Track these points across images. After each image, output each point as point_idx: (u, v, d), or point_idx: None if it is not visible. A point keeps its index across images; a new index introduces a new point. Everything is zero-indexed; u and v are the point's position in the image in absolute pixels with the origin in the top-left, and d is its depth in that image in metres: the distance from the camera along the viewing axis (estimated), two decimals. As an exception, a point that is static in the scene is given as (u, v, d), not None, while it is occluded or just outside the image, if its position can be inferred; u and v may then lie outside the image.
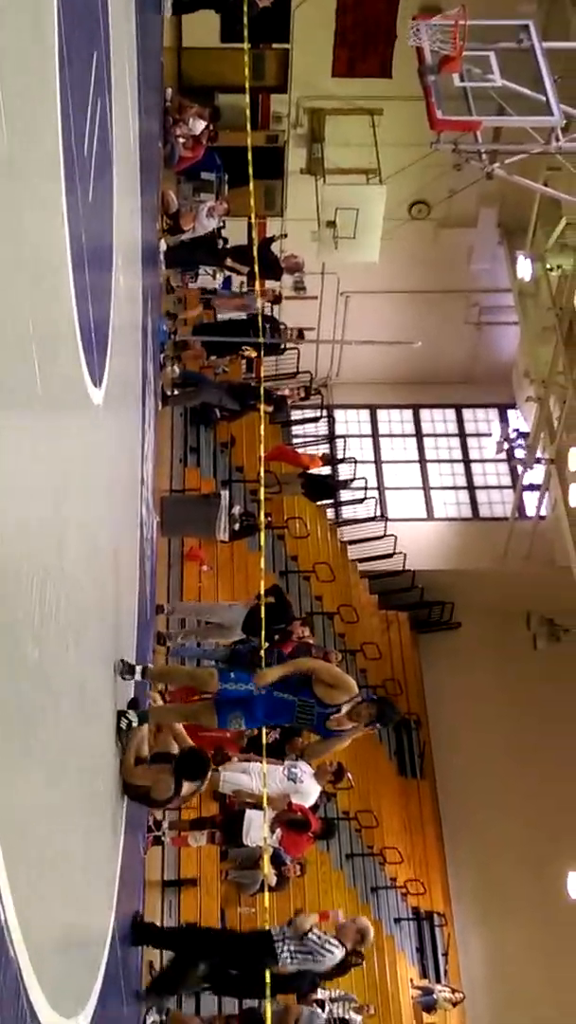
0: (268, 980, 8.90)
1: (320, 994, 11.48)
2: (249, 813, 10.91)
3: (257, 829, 10.77)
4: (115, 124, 7.27)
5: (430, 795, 21.26)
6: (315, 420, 22.29)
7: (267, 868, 10.60)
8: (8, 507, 3.69)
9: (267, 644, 11.10)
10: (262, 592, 11.89)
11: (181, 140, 14.72)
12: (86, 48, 5.81)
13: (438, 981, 18.32)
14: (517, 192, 17.61)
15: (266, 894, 10.22)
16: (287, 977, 9.51)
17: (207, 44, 18.14)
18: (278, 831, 10.96)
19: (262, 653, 10.83)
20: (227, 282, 17.12)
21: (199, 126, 14.94)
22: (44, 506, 4.45)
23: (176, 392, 13.96)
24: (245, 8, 15.00)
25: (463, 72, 13.34)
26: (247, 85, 14.91)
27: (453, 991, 17.90)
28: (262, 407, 14.01)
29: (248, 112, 15.00)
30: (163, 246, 13.66)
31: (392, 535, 21.69)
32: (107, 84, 6.83)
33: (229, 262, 15.08)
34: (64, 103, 4.79)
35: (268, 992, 8.91)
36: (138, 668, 7.56)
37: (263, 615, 10.94)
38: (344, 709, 7.62)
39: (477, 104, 13.47)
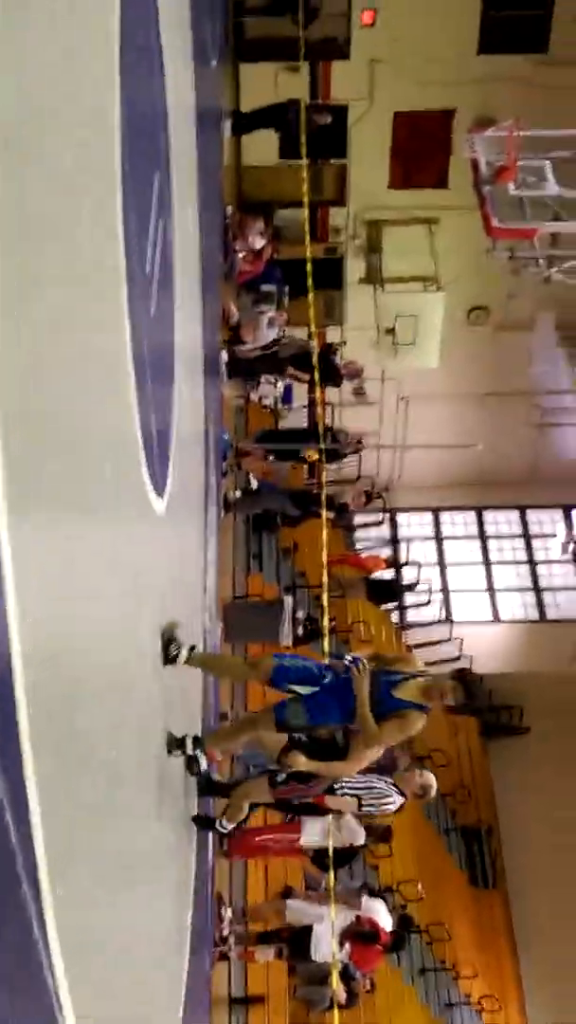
0: None
1: None
2: (317, 927, 10.67)
3: (325, 943, 10.51)
4: (176, 241, 7.49)
5: (503, 906, 20.68)
6: (378, 524, 22.32)
7: (336, 984, 10.32)
8: (71, 615, 3.72)
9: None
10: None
11: (241, 254, 15.08)
12: (148, 169, 6.01)
13: None
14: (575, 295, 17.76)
15: (335, 1011, 9.94)
16: None
17: (266, 162, 18.68)
18: (347, 945, 10.70)
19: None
20: (288, 391, 17.34)
21: (259, 242, 15.30)
22: (106, 614, 4.48)
23: (238, 499, 14.08)
24: (303, 127, 15.47)
25: (518, 181, 13.58)
26: (306, 200, 15.28)
27: None
28: (324, 513, 14.05)
29: (307, 225, 15.35)
30: (224, 357, 13.91)
31: (458, 638, 21.48)
32: (168, 203, 7.05)
33: (290, 370, 15.29)
34: (126, 222, 4.95)
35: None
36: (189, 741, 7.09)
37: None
38: (420, 680, 6.96)
39: (533, 211, 13.68)
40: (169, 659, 6.51)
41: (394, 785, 8.76)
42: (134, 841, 5.12)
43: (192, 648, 6.87)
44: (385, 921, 10.67)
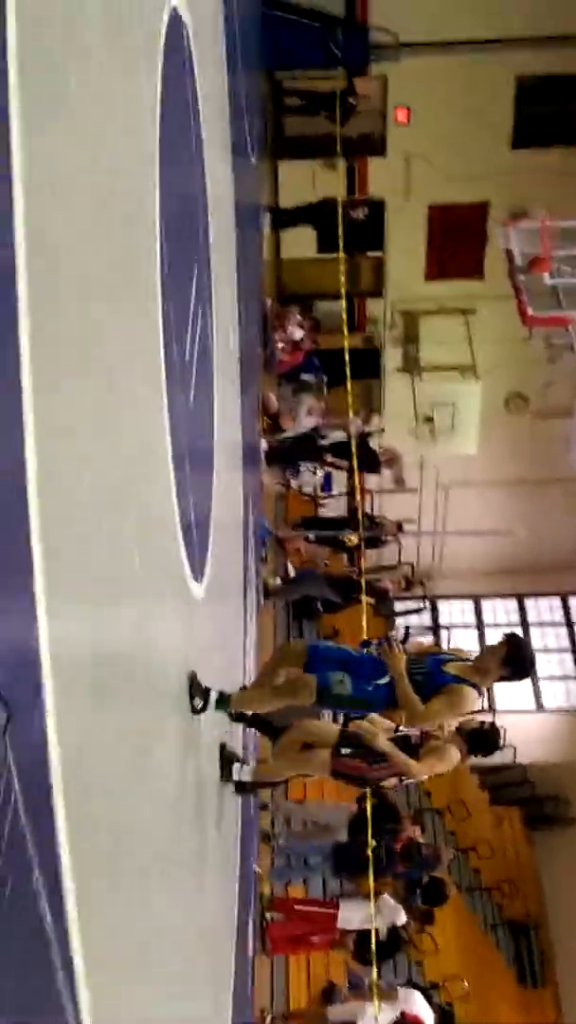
0: None
1: None
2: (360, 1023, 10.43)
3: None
4: (216, 331, 7.64)
5: (553, 1005, 20.06)
6: (419, 611, 22.21)
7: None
8: (114, 699, 3.74)
9: (375, 843, 10.82)
10: (367, 792, 11.68)
11: (280, 345, 15.34)
12: (188, 260, 6.16)
13: None
14: (613, 381, 17.87)
15: None
16: None
17: (304, 255, 19.04)
18: None
19: (370, 853, 10.55)
20: (328, 479, 17.43)
21: (298, 333, 15.56)
22: (147, 699, 4.49)
23: (278, 586, 14.10)
24: (341, 221, 15.80)
25: (553, 270, 13.74)
26: (343, 292, 15.55)
27: None
28: (364, 599, 14.03)
29: (345, 316, 15.60)
30: (264, 445, 14.06)
31: (501, 727, 21.20)
32: (208, 295, 7.21)
33: (329, 459, 15.41)
34: (166, 313, 5.07)
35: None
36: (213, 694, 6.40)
37: (369, 815, 10.72)
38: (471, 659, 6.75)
39: (568, 300, 13.81)
40: (196, 710, 6.18)
41: None
42: (171, 927, 5.07)
43: (220, 693, 6.48)
44: (426, 1014, 10.42)
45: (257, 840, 10.93)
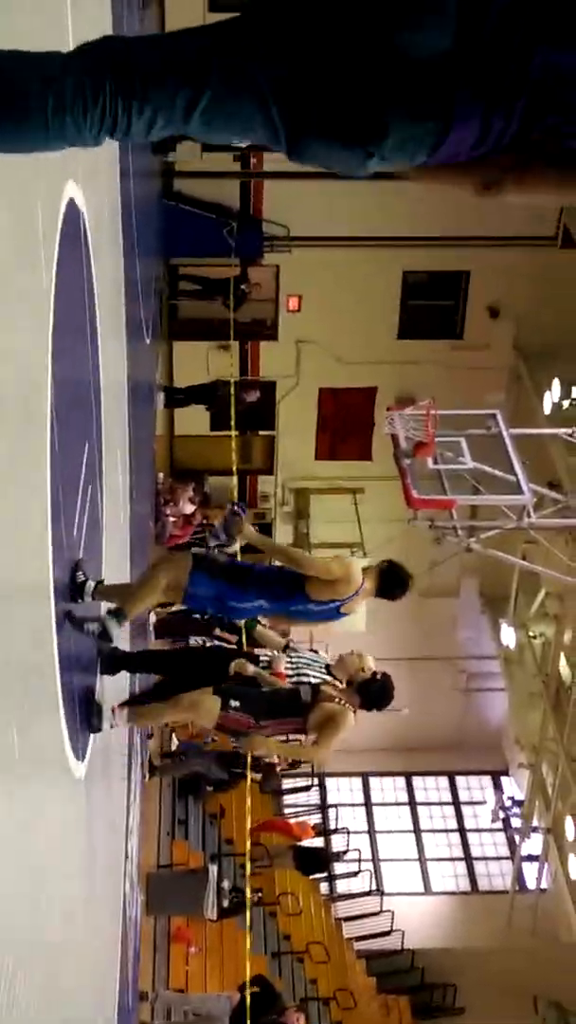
0: None
1: None
2: None
3: None
4: (105, 506, 7.71)
5: None
6: (306, 789, 21.95)
7: None
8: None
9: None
10: (247, 980, 11.38)
11: (172, 519, 15.49)
12: (79, 438, 6.26)
13: None
14: (497, 563, 18.31)
15: None
16: None
17: (198, 432, 19.44)
18: None
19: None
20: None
21: (189, 507, 15.77)
22: (19, 886, 4.36)
23: (163, 762, 13.88)
24: (233, 403, 16.24)
25: (436, 456, 14.20)
26: (235, 469, 15.87)
27: None
28: (249, 775, 13.88)
29: (236, 493, 15.88)
30: (152, 618, 14.02)
31: (389, 910, 20.80)
32: (99, 470, 7.30)
33: (217, 631, 15.39)
34: (55, 488, 5.13)
35: None
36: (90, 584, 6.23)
37: (248, 1007, 10.42)
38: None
39: (451, 484, 14.24)
40: (77, 587, 6.06)
41: (327, 671, 8.37)
42: None
43: (100, 581, 6.38)
44: None
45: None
